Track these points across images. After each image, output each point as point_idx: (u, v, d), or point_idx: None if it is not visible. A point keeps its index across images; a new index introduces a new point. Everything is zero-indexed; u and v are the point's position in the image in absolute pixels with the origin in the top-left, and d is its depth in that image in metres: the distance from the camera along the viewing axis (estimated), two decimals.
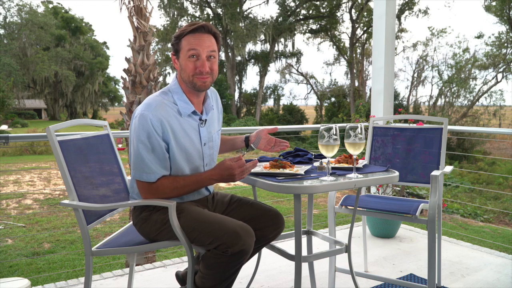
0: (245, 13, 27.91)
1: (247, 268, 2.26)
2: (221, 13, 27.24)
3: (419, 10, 26.09)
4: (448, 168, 2.46)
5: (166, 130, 1.68)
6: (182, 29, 1.71)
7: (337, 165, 1.91)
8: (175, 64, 1.77)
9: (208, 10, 28.20)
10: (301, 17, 29.21)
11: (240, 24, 26.79)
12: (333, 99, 29.91)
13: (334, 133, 1.69)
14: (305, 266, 2.31)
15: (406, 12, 26.29)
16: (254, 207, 1.90)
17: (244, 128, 3.23)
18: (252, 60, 29.54)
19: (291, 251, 1.86)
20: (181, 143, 1.73)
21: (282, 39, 28.92)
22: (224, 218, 1.67)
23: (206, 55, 1.70)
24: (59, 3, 39.93)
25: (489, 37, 24.83)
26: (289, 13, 28.20)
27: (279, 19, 27.77)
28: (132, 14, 4.90)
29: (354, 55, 28.51)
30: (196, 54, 1.68)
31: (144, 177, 1.69)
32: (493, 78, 24.50)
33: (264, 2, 27.39)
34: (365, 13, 27.09)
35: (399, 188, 4.51)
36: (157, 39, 26.14)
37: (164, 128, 1.67)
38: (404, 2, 25.68)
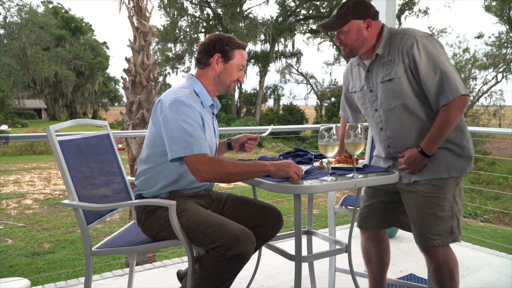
0: (245, 13, 27.89)
1: (247, 268, 2.25)
2: (221, 13, 27.22)
3: (419, 10, 26.10)
4: None
5: (199, 114, 1.76)
6: (235, 41, 1.88)
7: (337, 165, 1.91)
8: (215, 64, 1.84)
9: (208, 10, 28.20)
10: (301, 17, 29.18)
11: (240, 24, 26.77)
12: (333, 99, 29.84)
13: (334, 133, 1.69)
14: (305, 266, 2.31)
15: (406, 12, 26.28)
16: (251, 205, 1.93)
17: (244, 128, 3.22)
18: (252, 60, 29.48)
19: (291, 251, 1.86)
20: (206, 129, 1.80)
21: (282, 39, 28.88)
22: (225, 220, 1.68)
23: None
24: (59, 3, 39.99)
25: (489, 37, 24.92)
26: (289, 13, 28.18)
27: (279, 19, 27.74)
28: (132, 14, 4.90)
29: None
30: (242, 69, 1.95)
31: (195, 150, 1.66)
32: (493, 78, 24.54)
33: (264, 2, 27.38)
34: None
35: None
36: (157, 39, 26.11)
37: (198, 112, 1.76)
38: (404, 2, 25.67)
